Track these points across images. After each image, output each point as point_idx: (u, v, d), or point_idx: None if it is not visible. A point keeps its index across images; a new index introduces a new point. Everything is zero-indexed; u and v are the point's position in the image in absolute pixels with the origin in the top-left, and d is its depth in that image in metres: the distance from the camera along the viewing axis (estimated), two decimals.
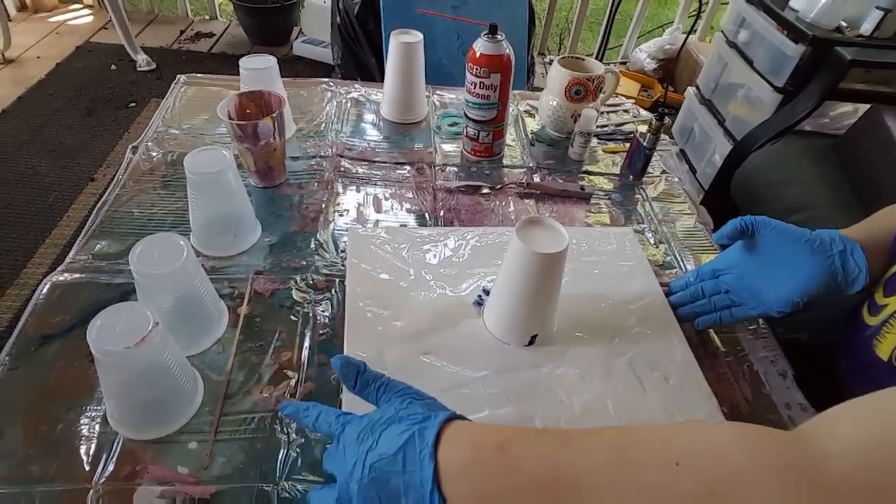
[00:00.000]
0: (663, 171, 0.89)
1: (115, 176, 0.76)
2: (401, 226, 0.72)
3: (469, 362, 0.55)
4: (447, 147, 0.89)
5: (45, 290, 0.59)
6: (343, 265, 0.66)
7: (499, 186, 0.81)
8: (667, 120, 0.80)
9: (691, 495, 0.30)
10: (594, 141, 0.93)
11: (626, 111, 1.04)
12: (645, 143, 0.81)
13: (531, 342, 0.57)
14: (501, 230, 0.72)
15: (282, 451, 0.48)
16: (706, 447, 0.32)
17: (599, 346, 0.58)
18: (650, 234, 0.76)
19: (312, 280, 0.64)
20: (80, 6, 2.87)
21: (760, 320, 0.65)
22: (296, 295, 0.62)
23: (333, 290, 0.63)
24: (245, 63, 0.80)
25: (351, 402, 0.46)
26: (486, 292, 0.62)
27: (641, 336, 0.59)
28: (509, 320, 0.57)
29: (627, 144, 0.92)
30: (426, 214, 0.75)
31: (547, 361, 0.56)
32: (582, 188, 0.81)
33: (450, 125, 0.94)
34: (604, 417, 0.51)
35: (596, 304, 0.63)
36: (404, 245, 0.68)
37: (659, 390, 0.54)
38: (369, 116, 0.94)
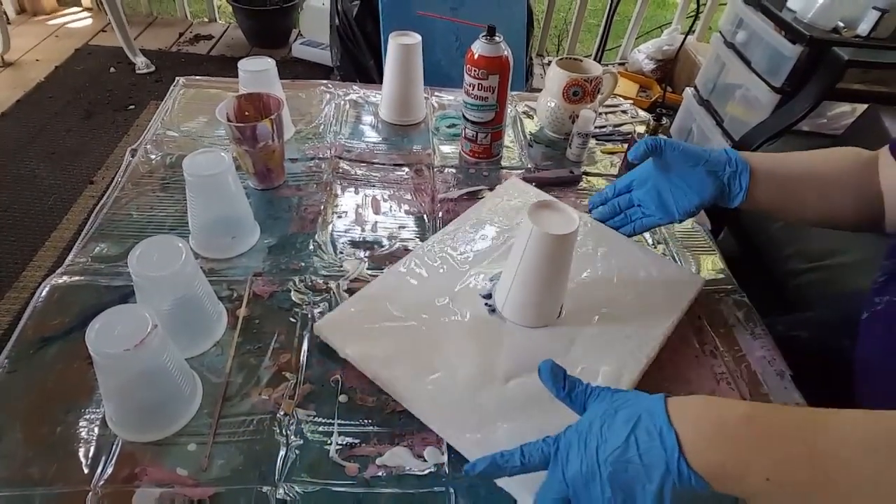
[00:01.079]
0: None
1: (114, 178, 0.76)
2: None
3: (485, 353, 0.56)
4: (446, 148, 0.89)
5: (44, 293, 0.59)
6: (341, 266, 0.66)
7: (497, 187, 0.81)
8: (665, 121, 0.80)
9: None
10: (592, 142, 0.93)
11: (624, 112, 1.04)
12: None
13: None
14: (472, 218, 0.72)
15: (280, 452, 0.48)
16: None
17: (607, 326, 0.59)
18: (648, 235, 0.76)
19: (311, 282, 0.64)
20: (79, 9, 2.87)
21: (758, 321, 0.65)
22: (294, 297, 0.62)
23: (332, 292, 0.63)
24: (244, 65, 0.80)
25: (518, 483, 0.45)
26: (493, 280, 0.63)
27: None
28: (523, 302, 0.57)
29: (625, 145, 0.92)
30: (424, 216, 0.75)
31: (557, 341, 0.57)
32: (571, 172, 0.84)
33: (448, 127, 0.94)
34: None
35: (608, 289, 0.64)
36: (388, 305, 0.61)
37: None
38: (368, 118, 0.94)
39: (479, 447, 0.47)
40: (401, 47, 0.87)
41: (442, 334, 0.57)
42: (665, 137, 0.62)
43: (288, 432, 0.50)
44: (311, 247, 0.68)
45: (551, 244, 0.53)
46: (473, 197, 0.79)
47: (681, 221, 0.64)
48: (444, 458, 0.49)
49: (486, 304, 0.60)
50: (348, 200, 0.77)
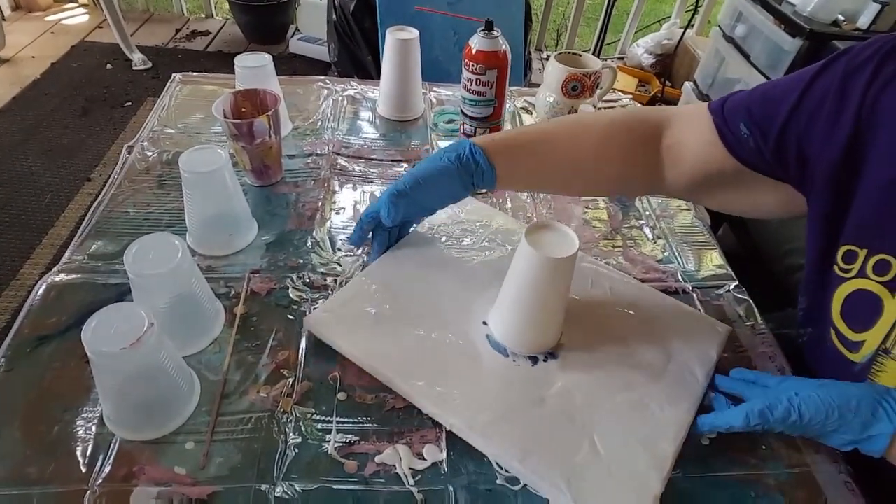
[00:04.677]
0: None
1: (111, 175, 0.75)
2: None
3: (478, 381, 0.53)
4: (444, 144, 0.88)
5: (41, 291, 0.59)
6: (339, 263, 0.66)
7: None
8: None
9: None
10: None
11: (623, 107, 1.03)
12: None
13: (546, 358, 0.55)
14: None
15: (279, 450, 0.48)
16: None
17: (592, 380, 0.54)
18: (648, 230, 0.76)
19: (309, 279, 0.63)
20: (75, 5, 2.86)
21: (758, 317, 0.65)
22: (292, 294, 0.62)
23: (330, 289, 0.62)
24: (240, 61, 0.79)
25: None
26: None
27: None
28: (517, 327, 0.55)
29: None
30: None
31: (553, 372, 0.54)
32: None
33: (447, 122, 0.93)
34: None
35: (624, 344, 0.58)
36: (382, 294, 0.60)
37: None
38: (366, 114, 0.94)
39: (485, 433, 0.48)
40: (398, 42, 0.86)
41: (438, 351, 0.55)
42: (383, 206, 0.57)
43: (286, 430, 0.49)
44: (309, 243, 0.68)
45: (550, 268, 0.50)
46: (472, 193, 0.79)
47: None
48: (443, 456, 0.49)
49: (486, 335, 0.57)
50: (346, 197, 0.76)
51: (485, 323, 0.58)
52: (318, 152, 0.83)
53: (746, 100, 0.53)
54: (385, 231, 0.63)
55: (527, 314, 0.54)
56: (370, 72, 1.73)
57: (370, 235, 0.63)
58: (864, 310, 0.47)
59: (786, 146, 0.49)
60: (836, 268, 0.49)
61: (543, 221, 0.53)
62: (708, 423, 0.50)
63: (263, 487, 0.45)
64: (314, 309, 0.59)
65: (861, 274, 0.47)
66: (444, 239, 0.67)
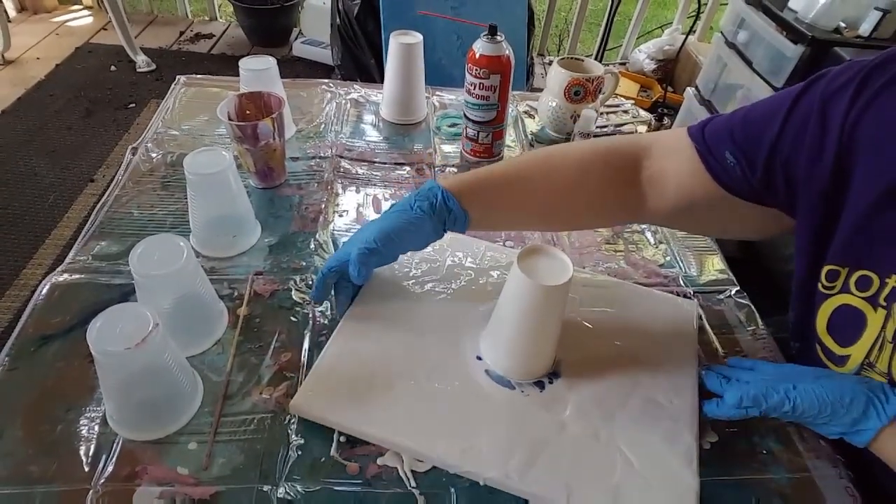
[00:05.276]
0: None
1: (114, 177, 0.76)
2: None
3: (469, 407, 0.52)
4: (447, 148, 0.89)
5: (44, 291, 0.59)
6: None
7: None
8: (666, 120, 0.80)
9: None
10: None
11: (625, 112, 1.04)
12: None
13: (551, 379, 0.55)
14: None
15: (281, 451, 0.48)
16: None
17: (600, 390, 0.54)
18: (650, 234, 0.76)
19: (312, 281, 0.64)
20: (80, 7, 2.87)
21: (759, 322, 0.65)
22: (295, 296, 0.62)
23: (333, 291, 0.63)
24: (244, 64, 0.80)
25: None
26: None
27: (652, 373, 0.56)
28: (518, 357, 0.54)
29: None
30: None
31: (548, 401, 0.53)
32: None
33: (449, 126, 0.94)
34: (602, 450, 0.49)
35: (612, 346, 0.59)
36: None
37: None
38: (369, 117, 0.94)
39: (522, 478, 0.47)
40: (402, 46, 0.86)
41: (446, 401, 0.52)
42: (353, 265, 0.54)
43: (289, 431, 0.49)
44: (312, 246, 0.68)
45: (541, 295, 0.49)
46: None
47: None
48: None
49: (485, 371, 0.55)
50: (349, 199, 0.76)
51: (479, 358, 0.56)
52: (322, 155, 0.84)
53: (727, 126, 0.53)
54: (349, 284, 0.58)
55: (527, 342, 0.53)
56: (373, 75, 1.74)
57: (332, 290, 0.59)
58: (848, 325, 0.48)
59: (773, 172, 0.49)
60: (819, 285, 0.49)
61: (536, 246, 0.52)
62: (710, 410, 0.50)
63: (266, 488, 0.45)
64: (320, 313, 0.59)
65: (844, 289, 0.47)
66: (407, 273, 0.63)
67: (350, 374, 0.53)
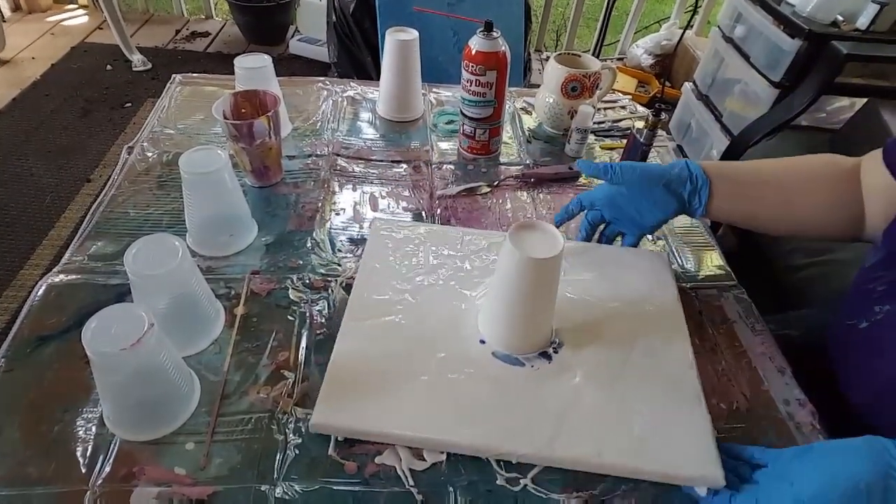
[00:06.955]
0: None
1: (110, 176, 0.75)
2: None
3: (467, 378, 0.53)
4: (444, 145, 0.89)
5: (41, 292, 0.59)
6: (339, 263, 0.66)
7: (496, 183, 0.81)
8: (664, 115, 0.80)
9: None
10: (591, 137, 0.93)
11: (622, 107, 1.03)
12: (642, 139, 0.81)
13: (556, 349, 0.56)
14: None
15: (279, 451, 0.48)
16: None
17: (602, 351, 0.57)
18: None
19: (309, 279, 0.63)
20: (75, 6, 2.86)
21: (758, 317, 0.65)
22: (292, 294, 0.62)
23: (330, 290, 0.62)
24: (240, 62, 0.79)
25: None
26: None
27: (645, 338, 0.58)
28: (521, 333, 0.55)
29: (624, 140, 0.91)
30: (423, 213, 0.75)
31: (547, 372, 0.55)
32: (570, 168, 0.83)
33: (446, 123, 0.93)
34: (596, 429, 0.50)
35: (602, 307, 0.61)
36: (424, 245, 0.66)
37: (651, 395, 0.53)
38: (365, 115, 0.94)
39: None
40: (398, 43, 0.86)
41: (466, 390, 0.52)
42: (620, 163, 0.64)
43: (286, 431, 0.49)
44: (309, 244, 0.68)
45: (536, 268, 0.50)
46: (472, 193, 0.79)
47: (651, 232, 0.68)
48: (443, 457, 0.49)
49: (492, 353, 0.55)
50: (346, 197, 0.76)
51: (482, 341, 0.56)
52: (318, 153, 0.84)
53: None
54: (588, 223, 0.68)
55: (528, 315, 0.54)
56: (370, 73, 1.73)
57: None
58: None
59: None
60: None
61: (527, 221, 0.53)
62: None
63: (263, 488, 0.45)
64: (318, 311, 0.59)
65: None
66: (397, 271, 0.63)
67: (362, 381, 0.52)
